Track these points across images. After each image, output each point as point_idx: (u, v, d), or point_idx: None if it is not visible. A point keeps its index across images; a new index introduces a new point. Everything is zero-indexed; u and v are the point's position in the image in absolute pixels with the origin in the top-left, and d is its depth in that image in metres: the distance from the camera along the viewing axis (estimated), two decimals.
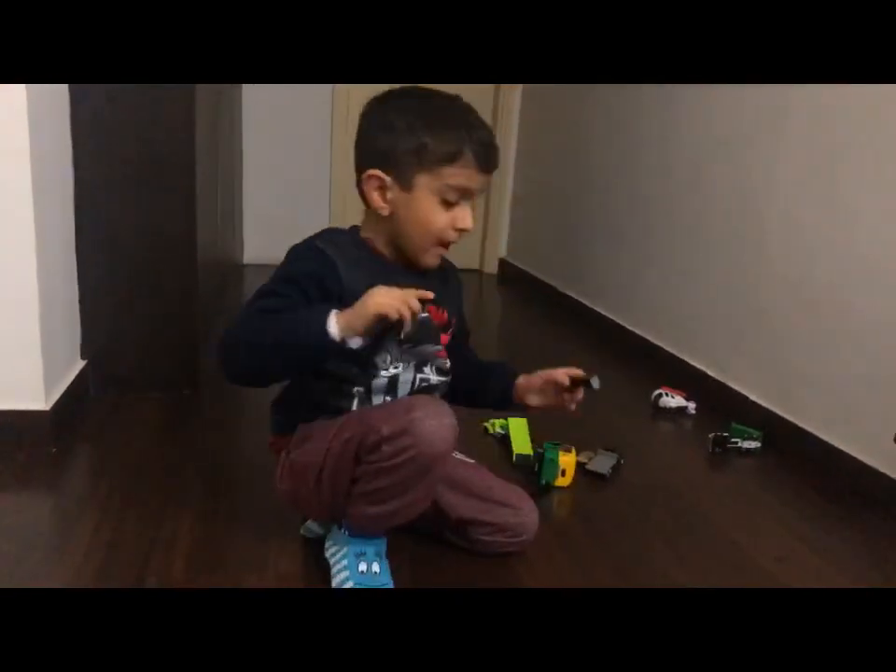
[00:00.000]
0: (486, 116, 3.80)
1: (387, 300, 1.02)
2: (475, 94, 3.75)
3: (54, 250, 1.68)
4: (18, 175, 1.48)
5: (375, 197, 1.13)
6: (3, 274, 1.52)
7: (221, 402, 1.98)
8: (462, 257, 3.92)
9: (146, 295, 1.91)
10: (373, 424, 1.08)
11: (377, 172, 1.12)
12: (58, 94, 1.70)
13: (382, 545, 1.18)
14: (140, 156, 1.82)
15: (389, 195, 1.12)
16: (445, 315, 1.24)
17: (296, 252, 1.14)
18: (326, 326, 1.02)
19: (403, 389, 1.20)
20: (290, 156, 3.62)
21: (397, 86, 1.16)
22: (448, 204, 1.11)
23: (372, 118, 1.14)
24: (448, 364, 1.25)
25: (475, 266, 4.12)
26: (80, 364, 1.86)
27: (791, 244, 1.96)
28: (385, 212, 1.13)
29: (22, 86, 1.44)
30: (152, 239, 1.88)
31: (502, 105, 3.85)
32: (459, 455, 1.33)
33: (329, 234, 1.18)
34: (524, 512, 1.29)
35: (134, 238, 1.86)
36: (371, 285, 1.06)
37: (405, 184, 1.11)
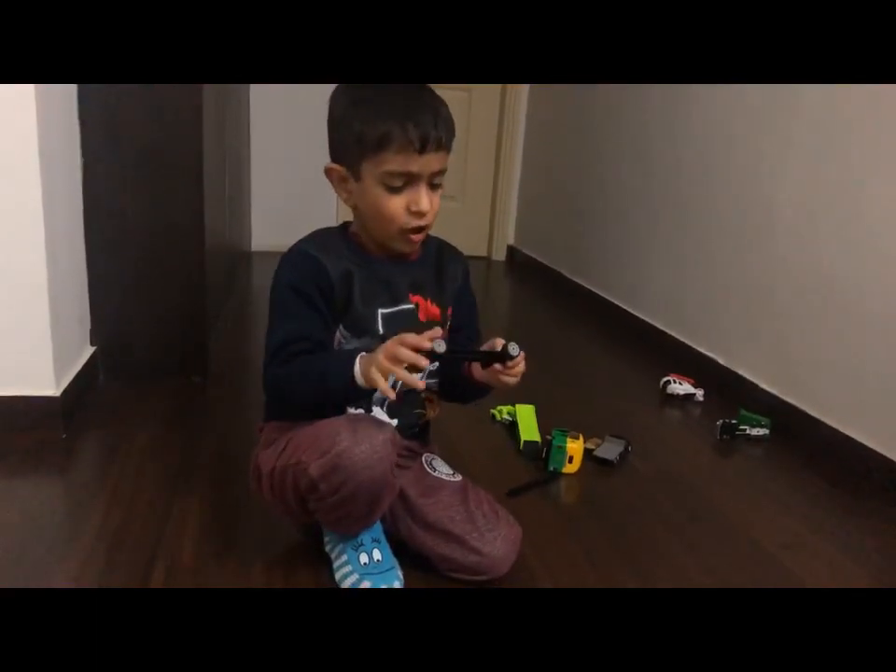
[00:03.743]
0: (494, 103, 3.84)
1: (391, 366, 0.99)
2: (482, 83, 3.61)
3: (63, 237, 1.68)
4: (26, 162, 1.49)
5: (339, 190, 1.14)
6: (13, 262, 1.53)
7: (231, 389, 1.99)
8: (470, 243, 3.94)
9: (155, 282, 1.91)
10: (303, 460, 1.06)
11: (334, 165, 1.12)
12: (66, 84, 1.70)
13: (376, 529, 1.16)
14: (148, 144, 1.82)
15: (349, 187, 1.12)
16: (436, 308, 1.20)
17: (286, 261, 1.13)
18: (354, 379, 1.03)
19: None
20: (297, 145, 3.60)
21: None
22: (396, 189, 1.07)
23: (329, 112, 1.13)
24: (437, 364, 1.19)
25: (483, 253, 4.12)
26: (90, 350, 1.87)
27: (801, 230, 1.95)
28: (350, 204, 1.14)
29: None
30: (161, 226, 1.88)
31: (510, 94, 3.83)
32: (441, 470, 1.28)
33: (315, 235, 1.17)
34: (484, 553, 1.17)
35: (143, 225, 1.87)
36: (354, 276, 1.11)
37: (356, 175, 1.09)
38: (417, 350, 0.99)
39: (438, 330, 1.04)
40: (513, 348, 1.06)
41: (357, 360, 1.03)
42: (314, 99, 1.45)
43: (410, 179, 1.06)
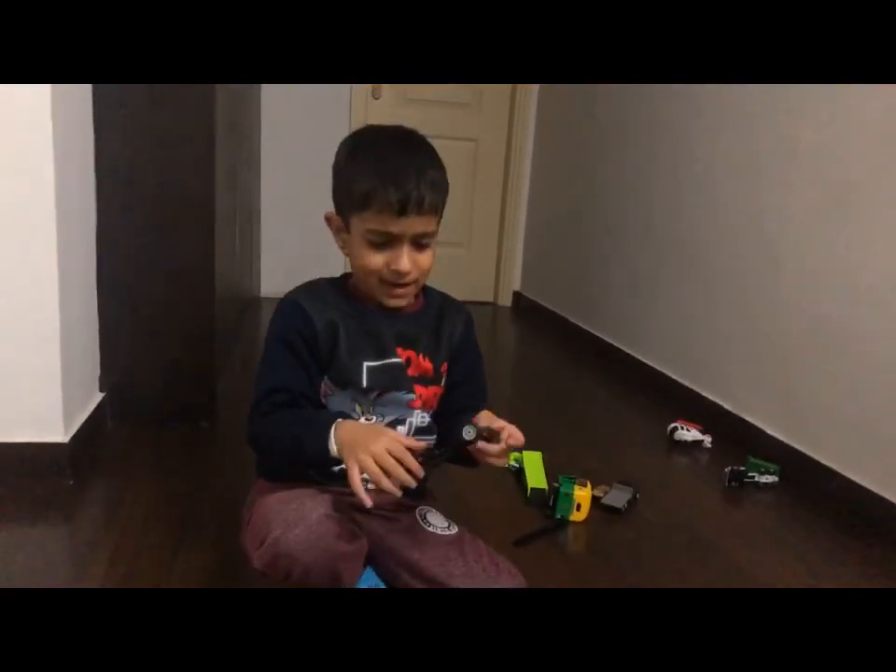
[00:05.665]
0: (499, 152, 3.90)
1: (371, 465, 0.96)
2: (491, 133, 3.74)
3: (76, 283, 1.71)
4: (42, 210, 1.52)
5: (337, 239, 1.15)
6: (26, 308, 1.55)
7: (238, 435, 1.98)
8: (476, 289, 3.98)
9: (164, 328, 1.93)
10: (248, 550, 1.06)
11: (332, 214, 1.14)
12: (82, 130, 1.74)
13: (369, 576, 1.12)
14: (160, 191, 1.86)
15: (343, 237, 1.13)
16: (429, 363, 1.17)
17: (277, 311, 1.15)
18: (328, 449, 1.02)
19: None
20: (307, 190, 3.66)
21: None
22: (378, 246, 1.07)
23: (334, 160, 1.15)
24: (427, 420, 1.17)
25: (489, 299, 4.14)
26: (99, 396, 1.88)
27: (806, 275, 1.96)
28: (345, 253, 1.15)
29: (48, 125, 1.48)
30: (171, 273, 1.91)
31: (515, 141, 3.90)
32: (435, 524, 1.19)
33: (309, 284, 1.18)
34: None
35: (154, 272, 1.90)
36: (339, 327, 1.11)
37: (347, 226, 1.11)
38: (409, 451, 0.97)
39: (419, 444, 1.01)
40: (467, 433, 1.01)
41: (333, 431, 1.01)
42: (324, 145, 1.49)
43: (391, 238, 1.06)
